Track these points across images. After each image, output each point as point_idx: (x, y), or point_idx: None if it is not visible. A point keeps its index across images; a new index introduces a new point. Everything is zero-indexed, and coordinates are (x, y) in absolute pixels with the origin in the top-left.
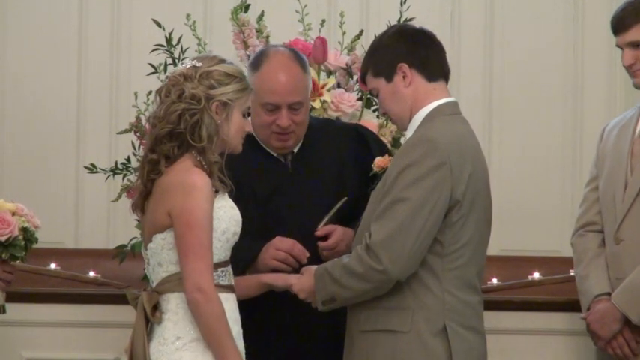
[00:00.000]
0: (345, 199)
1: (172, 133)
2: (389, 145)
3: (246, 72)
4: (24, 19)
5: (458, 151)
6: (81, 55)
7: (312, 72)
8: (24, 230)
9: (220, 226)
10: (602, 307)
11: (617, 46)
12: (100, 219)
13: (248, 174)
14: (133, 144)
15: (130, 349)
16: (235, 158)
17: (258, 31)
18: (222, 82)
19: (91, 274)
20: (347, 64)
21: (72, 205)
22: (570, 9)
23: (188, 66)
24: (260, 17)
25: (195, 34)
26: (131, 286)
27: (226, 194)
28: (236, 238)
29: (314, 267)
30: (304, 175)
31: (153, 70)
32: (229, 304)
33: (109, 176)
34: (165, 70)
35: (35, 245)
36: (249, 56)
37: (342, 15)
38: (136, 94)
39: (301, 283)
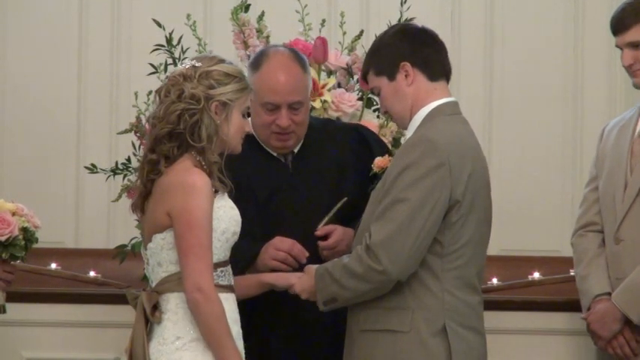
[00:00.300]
0: (345, 199)
1: (172, 133)
2: (389, 145)
3: (245, 72)
4: (24, 19)
5: (457, 151)
6: (81, 55)
7: (313, 72)
8: (24, 230)
9: (220, 226)
10: (602, 307)
11: (617, 46)
12: (100, 219)
13: (248, 174)
14: (133, 144)
15: (130, 349)
16: (235, 158)
17: (259, 31)
18: (221, 82)
19: (92, 274)
20: (347, 64)
21: (72, 205)
22: (570, 9)
23: (187, 66)
24: (260, 17)
25: (196, 34)
26: (131, 286)
27: (226, 194)
28: (236, 238)
29: (315, 266)
30: (305, 175)
31: (153, 70)
32: (229, 304)
33: (109, 176)
34: (165, 70)
35: (35, 245)
36: (249, 56)
37: (342, 15)
38: (136, 94)
39: (303, 283)
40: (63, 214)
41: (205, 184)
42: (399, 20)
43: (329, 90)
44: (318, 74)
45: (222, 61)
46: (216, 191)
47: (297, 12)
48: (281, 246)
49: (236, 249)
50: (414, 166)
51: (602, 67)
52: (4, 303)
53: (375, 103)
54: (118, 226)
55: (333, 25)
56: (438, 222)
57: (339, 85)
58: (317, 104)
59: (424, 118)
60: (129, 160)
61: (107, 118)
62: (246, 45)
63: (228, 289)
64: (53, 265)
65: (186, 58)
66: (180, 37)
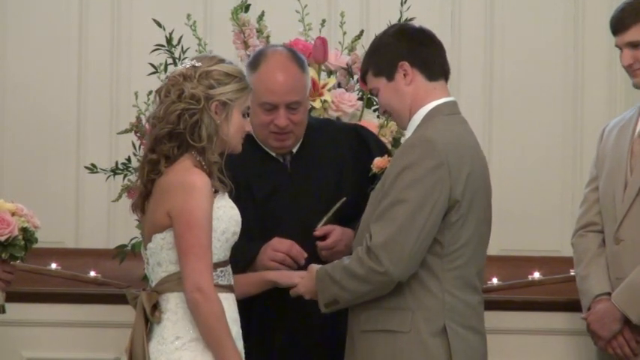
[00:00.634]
0: (344, 199)
1: (172, 133)
2: (389, 145)
3: (245, 72)
4: (24, 19)
5: (456, 151)
6: (81, 55)
7: (313, 72)
8: (24, 230)
9: (220, 226)
10: (602, 307)
11: (617, 46)
12: (100, 219)
13: (247, 174)
14: (133, 144)
15: (130, 348)
16: (234, 158)
17: (259, 31)
18: (221, 82)
19: (92, 274)
20: (347, 64)
21: (72, 205)
22: (570, 9)
23: (187, 66)
24: (260, 17)
25: (196, 34)
26: (131, 286)
27: (226, 194)
28: (236, 238)
29: (317, 267)
30: (303, 175)
31: (153, 70)
32: (228, 304)
33: (109, 176)
34: (165, 70)
35: (35, 245)
36: (249, 56)
37: (342, 15)
38: (136, 94)
39: (306, 284)
40: (63, 214)
41: (205, 184)
42: (399, 20)
43: (329, 90)
44: (318, 74)
45: (222, 60)
46: (216, 191)
47: (297, 12)
48: (279, 247)
49: (235, 249)
50: (413, 167)
51: (602, 67)
52: (4, 303)
53: (375, 103)
54: (118, 226)
55: (333, 25)
56: (438, 222)
57: (339, 85)
58: (317, 104)
59: (423, 117)
60: (129, 160)
61: (107, 118)
62: (246, 45)
63: (228, 289)
64: (53, 265)
65: (186, 58)
66: (180, 37)
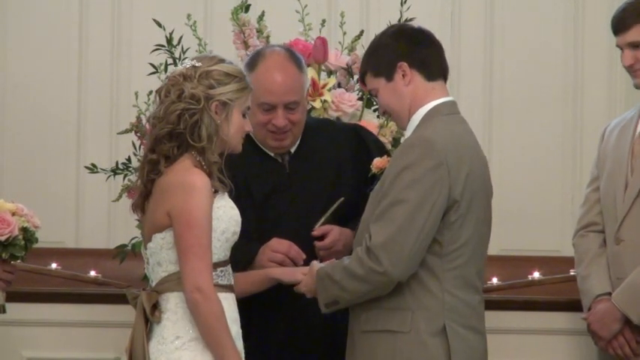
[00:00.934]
0: (342, 199)
1: (172, 133)
2: (389, 145)
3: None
4: (24, 20)
5: (455, 150)
6: (81, 55)
7: (313, 72)
8: (24, 230)
9: (220, 226)
10: (602, 307)
11: (618, 46)
12: (100, 219)
13: (245, 174)
14: (133, 144)
15: (130, 348)
16: (233, 159)
17: (259, 31)
18: (221, 82)
19: (92, 273)
20: (347, 64)
21: (72, 205)
22: (570, 9)
23: (188, 66)
24: (260, 17)
25: (196, 34)
26: (131, 286)
27: (226, 194)
28: (235, 237)
29: (318, 265)
30: (302, 176)
31: (153, 70)
32: (228, 304)
33: (109, 176)
34: (165, 70)
35: (36, 245)
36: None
37: (342, 15)
38: (136, 94)
39: (306, 283)
40: (63, 214)
41: (205, 184)
42: (399, 20)
43: (329, 90)
44: (318, 74)
45: (222, 60)
46: (215, 191)
47: (297, 12)
48: (278, 248)
49: (235, 249)
50: (412, 167)
51: (602, 67)
52: (4, 303)
53: (375, 103)
54: (118, 226)
55: (333, 25)
56: (437, 222)
57: (339, 85)
58: (317, 104)
59: (422, 117)
60: (129, 160)
61: (107, 118)
62: (246, 45)
63: (228, 288)
64: (53, 265)
65: (186, 58)
66: (181, 37)
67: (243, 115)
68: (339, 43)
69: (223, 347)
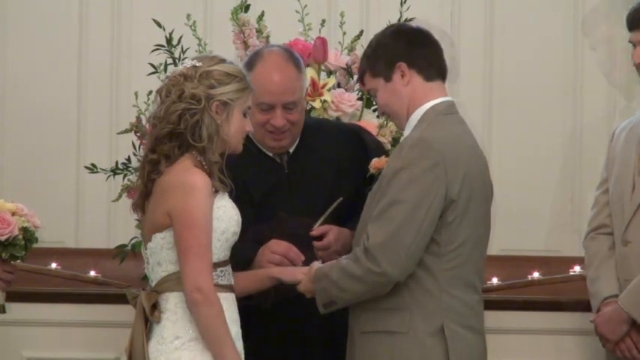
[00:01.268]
0: (341, 199)
1: (173, 133)
2: (389, 145)
3: None
4: (24, 20)
5: (452, 151)
6: (81, 55)
7: (313, 72)
8: (24, 230)
9: (220, 226)
10: (609, 309)
11: (631, 42)
12: (100, 219)
13: (243, 174)
14: (133, 144)
15: (129, 348)
16: (231, 159)
17: (259, 31)
18: (222, 82)
19: (92, 273)
20: (347, 64)
21: (72, 205)
22: (570, 9)
23: (188, 66)
24: (260, 17)
25: (196, 34)
26: (131, 286)
27: (226, 194)
28: (236, 238)
29: (318, 266)
30: (300, 176)
31: (153, 70)
32: (228, 304)
33: (109, 176)
34: (165, 70)
35: (36, 245)
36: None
37: (342, 15)
38: (136, 94)
39: (305, 283)
40: (63, 214)
41: (205, 184)
42: (399, 20)
43: (329, 90)
44: (318, 74)
45: (222, 61)
46: (216, 191)
47: (297, 12)
48: (277, 249)
49: (234, 250)
50: (409, 167)
51: (602, 67)
52: (5, 303)
53: (374, 103)
54: (118, 226)
55: (333, 25)
56: (435, 222)
57: (339, 85)
58: (317, 104)
59: (420, 117)
60: (129, 160)
61: (107, 118)
62: (246, 45)
63: (228, 288)
64: (54, 265)
65: (186, 58)
66: (180, 37)
67: (244, 115)
68: (339, 43)
69: (223, 347)
